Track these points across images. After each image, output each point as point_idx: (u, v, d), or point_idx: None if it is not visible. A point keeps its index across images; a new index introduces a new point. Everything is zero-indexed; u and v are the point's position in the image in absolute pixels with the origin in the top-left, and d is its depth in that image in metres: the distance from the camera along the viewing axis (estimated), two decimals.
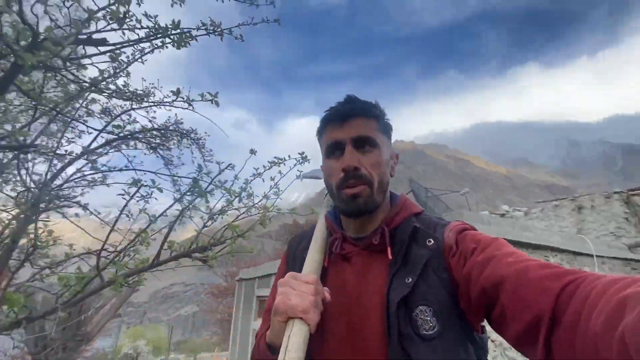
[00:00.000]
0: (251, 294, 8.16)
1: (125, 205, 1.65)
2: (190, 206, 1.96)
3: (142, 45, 1.29)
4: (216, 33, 1.82)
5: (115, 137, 2.58)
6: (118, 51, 1.14)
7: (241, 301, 8.73)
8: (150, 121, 2.50)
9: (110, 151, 2.82)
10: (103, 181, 2.99)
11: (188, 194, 1.60)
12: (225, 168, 2.06)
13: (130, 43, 1.16)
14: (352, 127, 0.74)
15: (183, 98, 1.28)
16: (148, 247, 1.72)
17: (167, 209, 1.60)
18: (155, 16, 1.18)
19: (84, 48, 1.18)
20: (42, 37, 1.12)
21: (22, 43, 1.14)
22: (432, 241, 0.69)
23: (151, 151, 2.93)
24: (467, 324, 0.64)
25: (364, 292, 0.70)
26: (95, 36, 1.29)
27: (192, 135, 2.88)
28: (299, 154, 2.26)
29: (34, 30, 1.11)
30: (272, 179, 2.34)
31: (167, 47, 1.18)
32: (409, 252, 0.69)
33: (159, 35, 1.15)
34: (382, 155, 0.76)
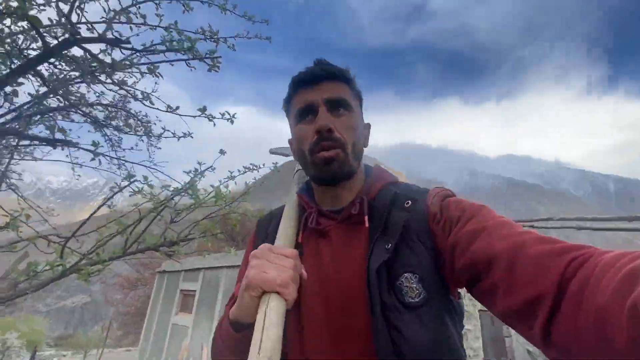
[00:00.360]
0: (174, 288, 7.75)
1: (111, 197, 1.67)
2: (166, 203, 2.03)
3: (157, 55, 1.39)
4: (212, 40, 1.96)
5: (53, 106, 2.42)
6: (156, 65, 1.22)
7: (161, 294, 8.21)
8: (97, 96, 2.39)
9: (36, 119, 2.57)
10: (31, 154, 2.72)
11: (182, 193, 1.70)
12: (206, 170, 2.17)
13: (168, 61, 1.25)
14: (325, 90, 0.70)
15: (206, 115, 1.41)
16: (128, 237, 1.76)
17: (160, 210, 1.67)
18: (195, 42, 1.31)
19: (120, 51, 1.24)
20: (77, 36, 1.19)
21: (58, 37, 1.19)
22: (410, 202, 0.66)
23: (96, 129, 2.79)
24: (446, 291, 0.62)
25: (344, 266, 0.65)
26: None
27: (142, 117, 2.81)
28: (273, 163, 2.49)
29: (74, 29, 1.17)
30: (246, 183, 2.51)
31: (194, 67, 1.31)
32: (389, 219, 0.65)
33: (195, 58, 1.28)
34: (356, 120, 0.73)
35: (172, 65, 1.28)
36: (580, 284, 0.39)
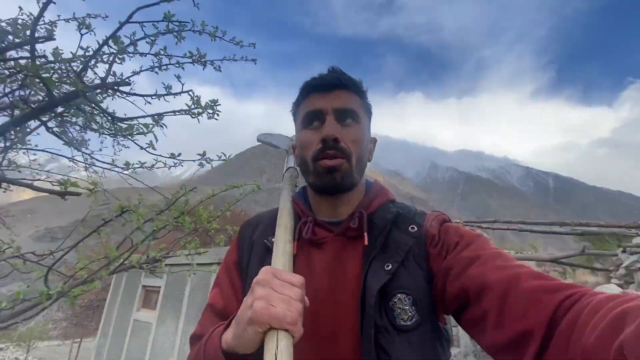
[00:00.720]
0: (135, 283, 7.56)
1: (101, 226, 1.72)
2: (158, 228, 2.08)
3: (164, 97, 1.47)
4: (200, 63, 2.04)
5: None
6: (160, 116, 1.29)
7: (120, 289, 7.96)
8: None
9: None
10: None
11: (176, 222, 1.79)
12: (191, 190, 2.25)
13: (172, 112, 1.32)
14: (335, 98, 0.69)
15: (205, 158, 1.51)
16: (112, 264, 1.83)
17: (147, 237, 1.75)
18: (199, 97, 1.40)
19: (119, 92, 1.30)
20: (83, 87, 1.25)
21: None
22: (415, 228, 0.66)
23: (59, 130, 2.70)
24: (436, 316, 0.61)
25: (338, 281, 0.63)
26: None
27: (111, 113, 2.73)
28: (254, 182, 2.63)
29: (84, 84, 1.23)
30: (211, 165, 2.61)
31: (198, 117, 1.40)
32: (389, 238, 0.65)
33: (199, 110, 1.37)
34: (363, 133, 0.71)
35: (175, 114, 1.36)
36: (570, 322, 0.40)
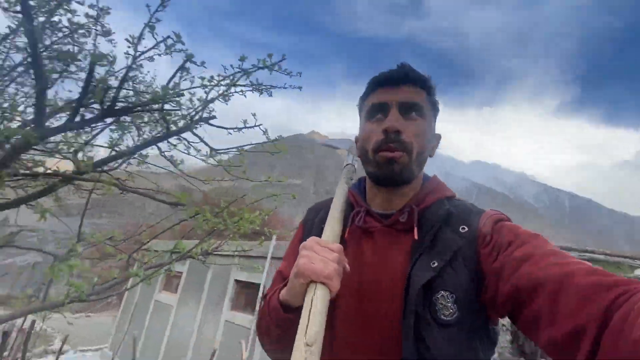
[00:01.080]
0: None
1: (176, 224, 2.13)
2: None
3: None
4: (257, 91, 2.44)
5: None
6: (241, 148, 1.69)
7: (142, 269, 8.45)
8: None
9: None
10: None
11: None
12: (242, 196, 2.65)
13: (247, 144, 1.73)
14: (401, 92, 0.70)
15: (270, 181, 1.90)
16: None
17: (210, 234, 2.16)
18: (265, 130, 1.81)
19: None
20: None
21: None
22: (467, 229, 0.65)
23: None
24: (484, 316, 0.62)
25: (383, 270, 0.66)
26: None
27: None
28: (291, 194, 3.00)
29: (194, 123, 1.64)
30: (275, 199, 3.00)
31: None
32: (439, 236, 0.65)
33: (274, 150, 1.77)
34: (426, 127, 0.72)
35: (247, 149, 1.76)
36: (623, 315, 0.39)
